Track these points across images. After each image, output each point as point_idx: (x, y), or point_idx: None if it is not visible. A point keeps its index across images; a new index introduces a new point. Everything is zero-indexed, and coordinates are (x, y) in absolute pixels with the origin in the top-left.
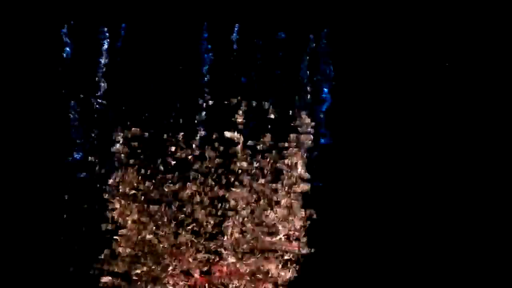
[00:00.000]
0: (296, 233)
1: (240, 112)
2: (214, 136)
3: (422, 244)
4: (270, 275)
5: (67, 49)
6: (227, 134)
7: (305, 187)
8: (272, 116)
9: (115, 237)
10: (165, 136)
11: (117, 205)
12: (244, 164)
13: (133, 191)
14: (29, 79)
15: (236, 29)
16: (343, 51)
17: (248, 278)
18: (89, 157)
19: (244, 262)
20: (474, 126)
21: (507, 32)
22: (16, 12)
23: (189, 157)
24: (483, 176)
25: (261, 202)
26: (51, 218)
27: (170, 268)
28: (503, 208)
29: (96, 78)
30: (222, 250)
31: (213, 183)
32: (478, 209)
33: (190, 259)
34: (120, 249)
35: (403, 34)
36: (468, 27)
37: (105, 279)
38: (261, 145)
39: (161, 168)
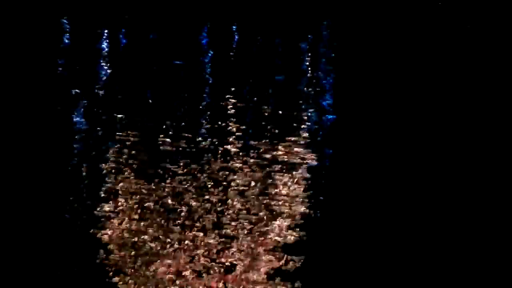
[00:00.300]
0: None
1: (240, 115)
2: (213, 139)
3: (418, 246)
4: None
5: (67, 49)
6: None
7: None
8: (272, 117)
9: (108, 235)
10: (162, 139)
11: (114, 206)
12: (242, 166)
13: (130, 193)
14: (27, 80)
15: (235, 30)
16: (342, 51)
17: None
18: (87, 158)
19: (242, 261)
20: (473, 127)
21: (507, 32)
22: (16, 12)
23: (189, 161)
24: (482, 180)
25: (259, 202)
26: (48, 218)
27: (168, 267)
28: (502, 207)
29: (96, 79)
30: (220, 249)
31: (211, 184)
32: (476, 210)
33: (186, 261)
34: (115, 252)
35: (402, 34)
36: (465, 27)
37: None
38: (260, 146)
39: (159, 170)
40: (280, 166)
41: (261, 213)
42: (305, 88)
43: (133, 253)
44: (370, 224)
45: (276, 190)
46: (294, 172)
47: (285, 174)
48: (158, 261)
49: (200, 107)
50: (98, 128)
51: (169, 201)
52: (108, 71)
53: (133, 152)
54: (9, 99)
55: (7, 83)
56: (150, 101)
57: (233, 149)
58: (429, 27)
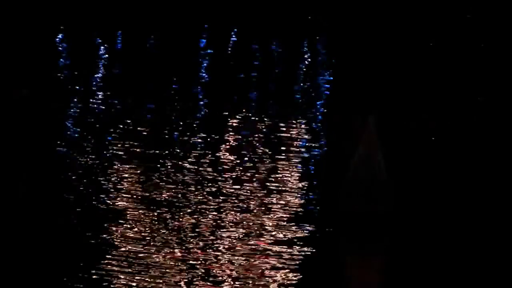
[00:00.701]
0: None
1: (237, 120)
2: (211, 144)
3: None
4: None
5: (66, 50)
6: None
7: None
8: (268, 121)
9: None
10: (161, 146)
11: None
12: (240, 172)
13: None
14: (29, 78)
15: (234, 34)
16: (340, 56)
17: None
18: (87, 164)
19: (240, 264)
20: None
21: (506, 32)
22: (15, 16)
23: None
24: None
25: (255, 208)
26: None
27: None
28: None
29: (95, 82)
30: (218, 252)
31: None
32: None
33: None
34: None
35: (399, 38)
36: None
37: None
38: (257, 153)
39: (156, 174)
40: (277, 171)
41: (258, 218)
42: (301, 92)
43: (132, 254)
44: (367, 224)
45: (273, 194)
46: (290, 177)
47: (283, 179)
48: (155, 264)
49: (197, 111)
50: (94, 134)
51: (166, 204)
52: (105, 75)
53: (132, 156)
54: (9, 104)
55: (6, 87)
56: (148, 105)
57: (231, 154)
58: (427, 32)
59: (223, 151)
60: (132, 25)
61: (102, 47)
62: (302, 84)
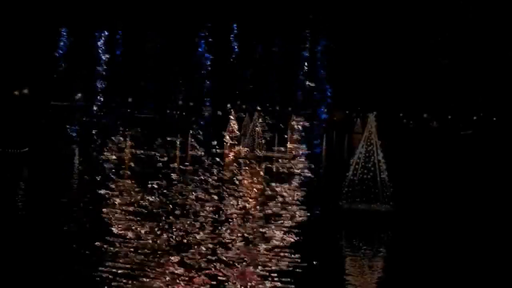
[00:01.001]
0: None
1: (238, 119)
2: (212, 146)
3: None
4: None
5: (64, 52)
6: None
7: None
8: (269, 125)
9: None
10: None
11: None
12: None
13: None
14: (25, 87)
15: (234, 36)
16: (340, 56)
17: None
18: (85, 168)
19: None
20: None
21: (506, 33)
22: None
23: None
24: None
25: (256, 212)
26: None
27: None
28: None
29: (94, 83)
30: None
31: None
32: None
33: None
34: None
35: (400, 39)
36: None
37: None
38: (257, 155)
39: (156, 178)
40: (276, 174)
41: (258, 220)
42: (301, 92)
43: (131, 253)
44: (367, 223)
45: (273, 197)
46: (289, 180)
47: (281, 182)
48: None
49: (198, 114)
50: (95, 134)
51: (167, 207)
52: (106, 76)
53: (132, 158)
54: (10, 105)
55: (8, 88)
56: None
57: (231, 158)
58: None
59: (224, 150)
60: (132, 24)
61: (102, 47)
62: (302, 84)
